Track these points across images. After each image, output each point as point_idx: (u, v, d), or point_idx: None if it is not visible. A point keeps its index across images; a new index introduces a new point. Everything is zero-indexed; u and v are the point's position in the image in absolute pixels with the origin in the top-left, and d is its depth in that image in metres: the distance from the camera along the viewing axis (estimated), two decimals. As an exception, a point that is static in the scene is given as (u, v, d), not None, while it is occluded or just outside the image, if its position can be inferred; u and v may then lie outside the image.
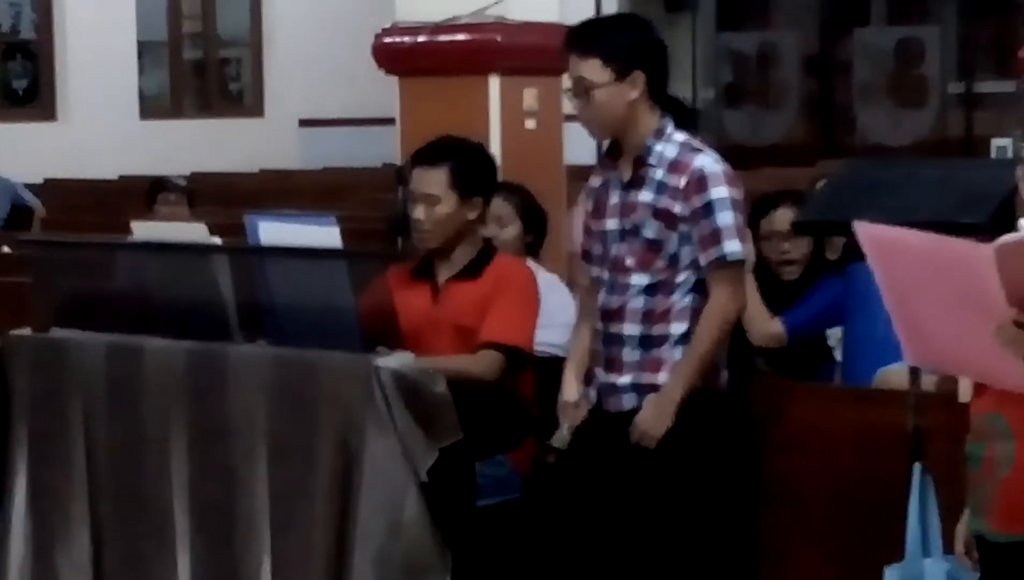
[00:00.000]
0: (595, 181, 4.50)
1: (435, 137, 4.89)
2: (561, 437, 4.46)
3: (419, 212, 4.73)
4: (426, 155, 4.79)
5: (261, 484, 4.41)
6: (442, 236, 4.74)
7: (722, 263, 4.29)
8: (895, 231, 3.24)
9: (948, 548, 3.73)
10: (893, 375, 4.39)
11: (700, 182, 4.29)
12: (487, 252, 4.82)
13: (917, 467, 3.94)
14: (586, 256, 4.52)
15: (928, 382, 4.16)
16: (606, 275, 4.40)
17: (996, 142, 12.90)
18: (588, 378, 4.47)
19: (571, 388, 4.48)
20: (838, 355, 4.93)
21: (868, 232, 3.24)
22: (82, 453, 4.73)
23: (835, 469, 4.40)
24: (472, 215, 4.77)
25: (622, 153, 4.41)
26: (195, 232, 5.02)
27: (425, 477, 4.22)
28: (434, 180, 4.71)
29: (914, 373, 4.05)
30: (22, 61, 16.23)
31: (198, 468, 4.54)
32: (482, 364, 4.59)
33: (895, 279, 3.24)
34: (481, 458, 4.57)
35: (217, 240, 4.84)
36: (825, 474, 4.42)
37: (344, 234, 4.77)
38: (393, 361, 4.30)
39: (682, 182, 4.30)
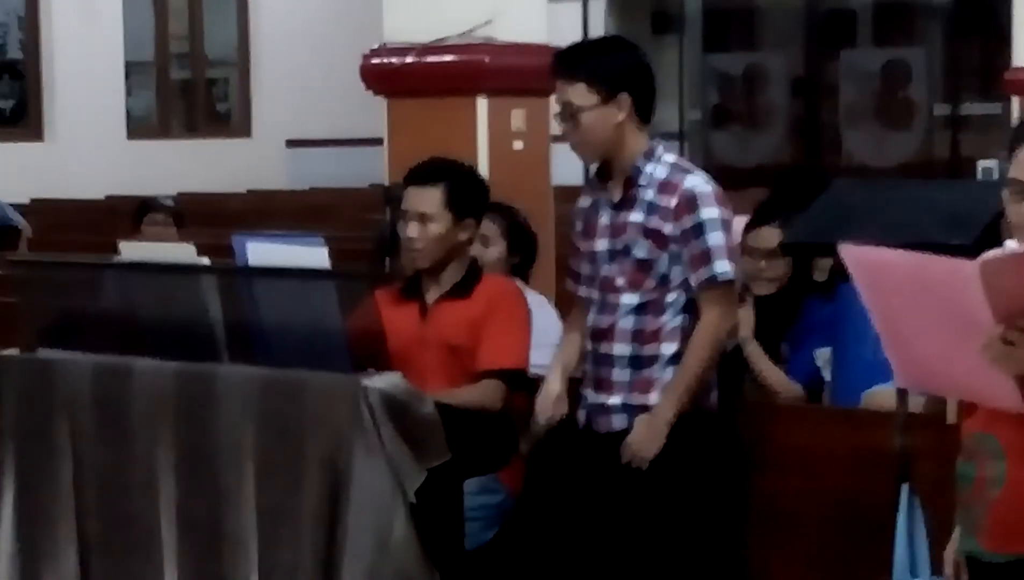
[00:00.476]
0: (584, 202, 4.52)
1: (426, 157, 4.90)
2: (535, 432, 4.48)
3: (412, 230, 4.74)
4: (420, 174, 4.80)
5: (249, 503, 4.40)
6: (434, 255, 4.75)
7: (713, 283, 4.30)
8: (880, 252, 3.25)
9: (936, 570, 3.73)
10: (881, 396, 4.40)
11: (690, 202, 4.30)
12: (475, 271, 4.83)
13: (905, 488, 3.94)
14: (574, 276, 4.53)
15: (916, 403, 4.17)
16: (596, 295, 4.42)
17: (982, 164, 12.96)
18: (576, 398, 4.47)
19: (553, 384, 4.48)
20: (827, 375, 4.93)
21: (853, 254, 3.25)
22: (69, 473, 4.72)
23: (823, 490, 4.41)
24: (464, 236, 4.78)
25: (611, 174, 4.43)
26: (183, 252, 5.01)
27: (413, 497, 4.22)
28: (429, 199, 4.72)
29: (902, 394, 4.06)
30: (9, 81, 16.24)
31: (186, 488, 4.54)
32: (486, 395, 4.61)
33: (882, 300, 3.25)
34: (469, 477, 4.57)
35: (205, 260, 4.83)
36: (813, 494, 4.42)
37: (331, 255, 4.77)
38: (381, 381, 4.30)
39: (672, 202, 4.31)
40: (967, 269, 2.98)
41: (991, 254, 3.03)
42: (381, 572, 4.21)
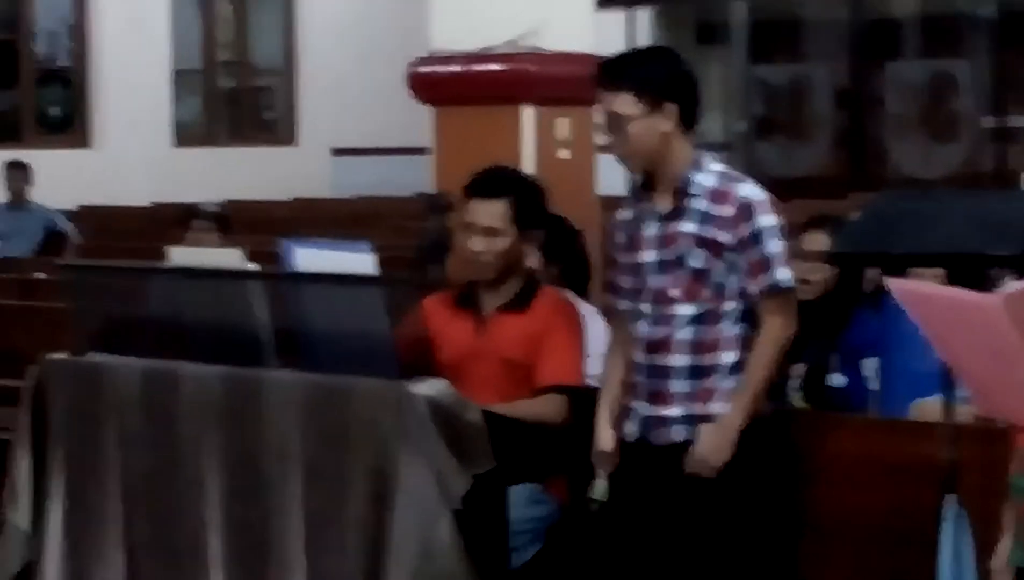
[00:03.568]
0: (625, 214, 4.49)
1: (472, 166, 4.91)
2: (600, 488, 4.46)
3: (478, 244, 4.75)
4: (484, 187, 4.80)
5: (295, 508, 4.42)
6: (499, 268, 4.76)
7: (775, 291, 4.29)
8: (920, 285, 3.28)
9: (981, 581, 3.72)
10: (928, 407, 4.39)
11: (747, 211, 4.29)
12: (533, 284, 4.84)
13: (951, 499, 3.93)
14: (614, 289, 4.51)
15: (963, 414, 4.16)
16: (647, 307, 4.37)
17: (1028, 176, 12.90)
18: (626, 412, 4.45)
19: (606, 437, 4.47)
20: (875, 386, 4.92)
21: (899, 287, 3.28)
22: (118, 476, 4.75)
23: (870, 501, 4.39)
24: (528, 248, 4.79)
25: (656, 185, 4.42)
26: (231, 258, 5.04)
27: (458, 504, 4.23)
28: (494, 213, 4.72)
29: (949, 405, 4.05)
30: (58, 88, 16.34)
31: (232, 491, 4.56)
32: (551, 408, 4.63)
33: (933, 329, 3.27)
34: (515, 484, 4.57)
35: (253, 266, 4.85)
36: (860, 505, 4.41)
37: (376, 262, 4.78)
38: (427, 388, 4.31)
39: (728, 211, 4.29)
40: (992, 303, 3.01)
41: (1013, 287, 3.06)
42: (425, 578, 4.22)
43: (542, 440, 4.67)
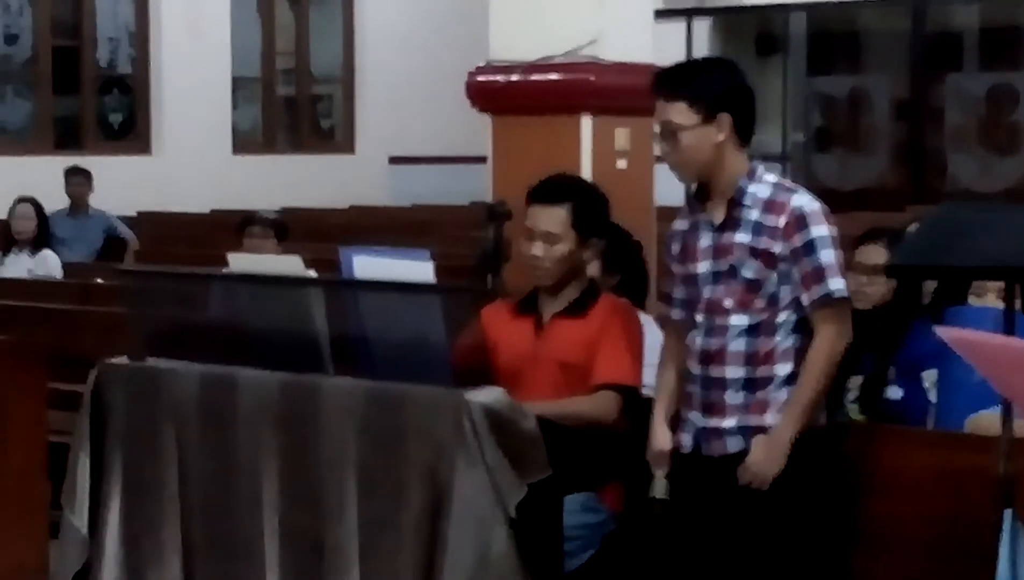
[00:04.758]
0: (680, 225, 4.50)
1: (531, 175, 4.92)
2: (660, 485, 4.46)
3: (537, 249, 4.77)
4: (545, 193, 4.82)
5: (351, 514, 4.44)
6: (558, 274, 4.78)
7: (828, 301, 4.28)
8: (969, 334, 3.27)
9: (1039, 595, 3.70)
10: (985, 420, 4.37)
11: (800, 221, 4.28)
12: (593, 291, 4.85)
13: (1008, 513, 3.91)
14: (668, 299, 4.52)
15: (1021, 427, 4.14)
16: (701, 318, 4.38)
17: (1089, 190, 12.80)
18: (679, 423, 4.45)
19: (662, 436, 4.47)
20: (932, 398, 4.90)
21: (950, 335, 3.27)
22: (175, 479, 4.79)
23: (927, 513, 4.38)
24: (588, 255, 4.80)
25: (710, 196, 4.42)
26: (290, 265, 5.06)
27: (513, 512, 4.24)
28: (555, 219, 4.75)
29: (1006, 419, 4.03)
30: (118, 95, 16.46)
31: (288, 497, 4.59)
32: (601, 405, 4.64)
33: (988, 370, 3.27)
34: (570, 492, 4.58)
35: (312, 273, 4.88)
36: (917, 518, 4.40)
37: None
38: (483, 396, 4.32)
39: (781, 222, 4.29)
40: None
41: None
42: (480, 585, 4.23)
43: (597, 448, 4.67)
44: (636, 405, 4.69)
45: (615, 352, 4.70)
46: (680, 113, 4.34)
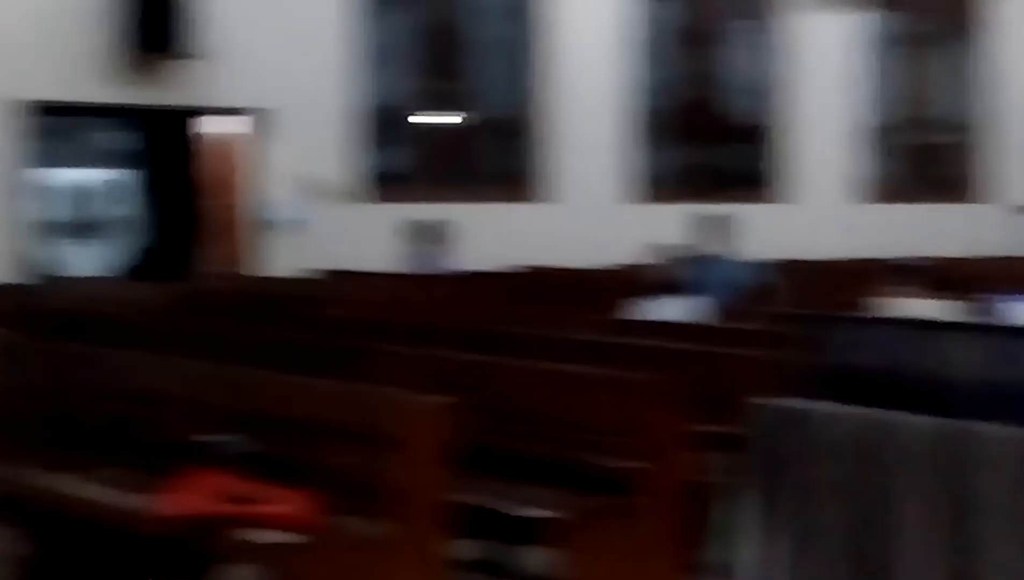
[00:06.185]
0: None
1: None
2: None
3: None
4: None
5: (1006, 569, 4.34)
6: None
7: None
8: None
9: None
10: None
11: None
12: None
13: None
14: None
15: None
16: None
17: None
18: None
19: None
20: None
21: None
22: (829, 523, 4.82)
23: None
24: None
25: None
26: (942, 311, 5.05)
27: None
28: None
29: None
30: (751, 145, 16.85)
31: (940, 545, 4.53)
32: None
33: None
34: None
35: (962, 318, 4.85)
36: None
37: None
38: None
39: None
40: None
41: None
42: None
43: None
44: None
45: None
46: None
